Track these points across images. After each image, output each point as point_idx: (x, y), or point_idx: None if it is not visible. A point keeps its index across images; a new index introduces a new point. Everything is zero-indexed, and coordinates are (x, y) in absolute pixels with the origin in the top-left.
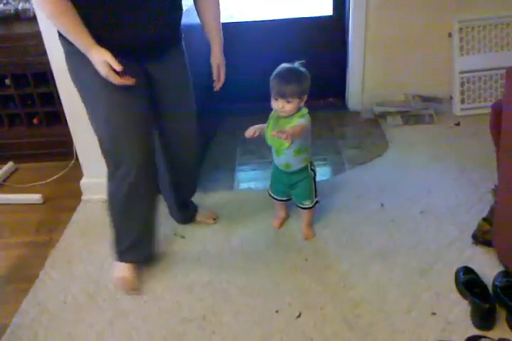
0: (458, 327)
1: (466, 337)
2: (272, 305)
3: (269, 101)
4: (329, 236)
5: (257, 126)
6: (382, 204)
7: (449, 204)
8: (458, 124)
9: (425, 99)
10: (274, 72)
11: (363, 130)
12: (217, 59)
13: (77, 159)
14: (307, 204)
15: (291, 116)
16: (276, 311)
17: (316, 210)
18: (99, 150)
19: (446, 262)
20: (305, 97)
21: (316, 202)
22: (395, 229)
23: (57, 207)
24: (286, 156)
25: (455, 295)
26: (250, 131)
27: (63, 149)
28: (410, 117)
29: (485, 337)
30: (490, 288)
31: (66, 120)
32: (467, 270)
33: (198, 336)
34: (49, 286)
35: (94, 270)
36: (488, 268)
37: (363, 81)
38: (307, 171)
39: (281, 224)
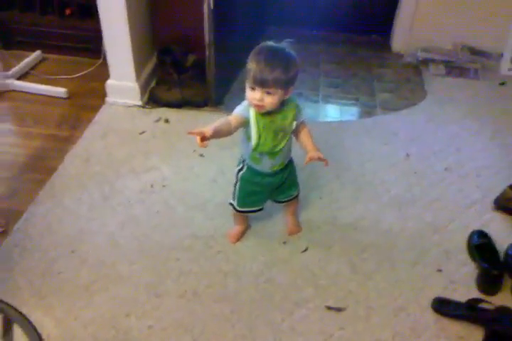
0: (461, 287)
1: (467, 298)
2: (280, 236)
3: (314, 28)
4: (348, 178)
5: (207, 130)
6: (407, 155)
7: (476, 165)
8: (503, 84)
9: (474, 52)
10: (254, 52)
11: (403, 74)
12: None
13: (104, 58)
14: (295, 193)
15: (280, 109)
16: (284, 242)
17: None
18: (127, 52)
19: (462, 222)
20: (291, 89)
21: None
22: (417, 182)
23: (81, 105)
24: (282, 153)
25: (464, 256)
26: (205, 142)
27: (92, 45)
28: (455, 68)
29: (486, 301)
30: (501, 255)
31: (99, 15)
32: (482, 234)
33: (204, 252)
34: (66, 181)
35: (110, 173)
36: (504, 235)
37: (413, 21)
38: (291, 158)
39: (239, 238)
